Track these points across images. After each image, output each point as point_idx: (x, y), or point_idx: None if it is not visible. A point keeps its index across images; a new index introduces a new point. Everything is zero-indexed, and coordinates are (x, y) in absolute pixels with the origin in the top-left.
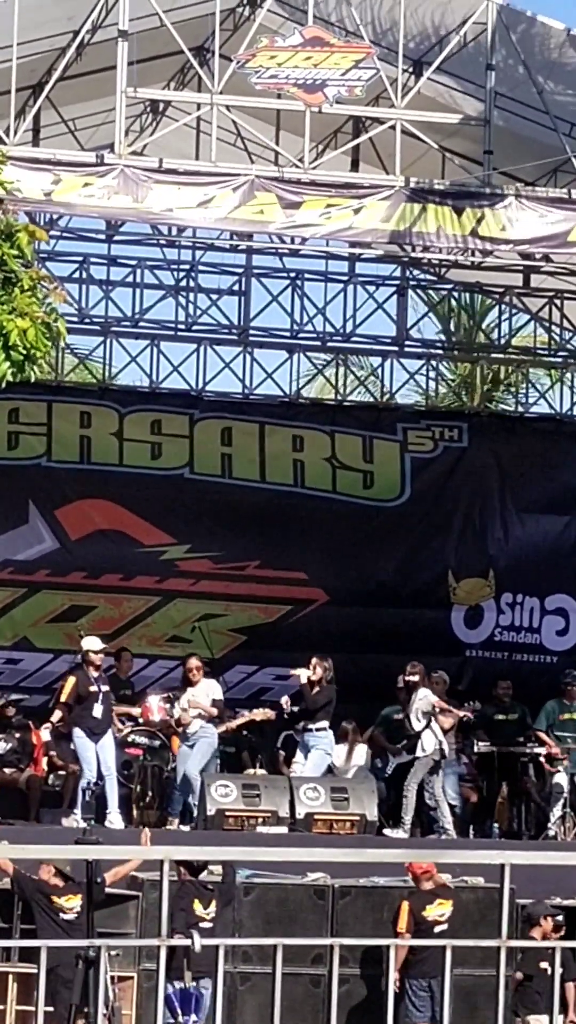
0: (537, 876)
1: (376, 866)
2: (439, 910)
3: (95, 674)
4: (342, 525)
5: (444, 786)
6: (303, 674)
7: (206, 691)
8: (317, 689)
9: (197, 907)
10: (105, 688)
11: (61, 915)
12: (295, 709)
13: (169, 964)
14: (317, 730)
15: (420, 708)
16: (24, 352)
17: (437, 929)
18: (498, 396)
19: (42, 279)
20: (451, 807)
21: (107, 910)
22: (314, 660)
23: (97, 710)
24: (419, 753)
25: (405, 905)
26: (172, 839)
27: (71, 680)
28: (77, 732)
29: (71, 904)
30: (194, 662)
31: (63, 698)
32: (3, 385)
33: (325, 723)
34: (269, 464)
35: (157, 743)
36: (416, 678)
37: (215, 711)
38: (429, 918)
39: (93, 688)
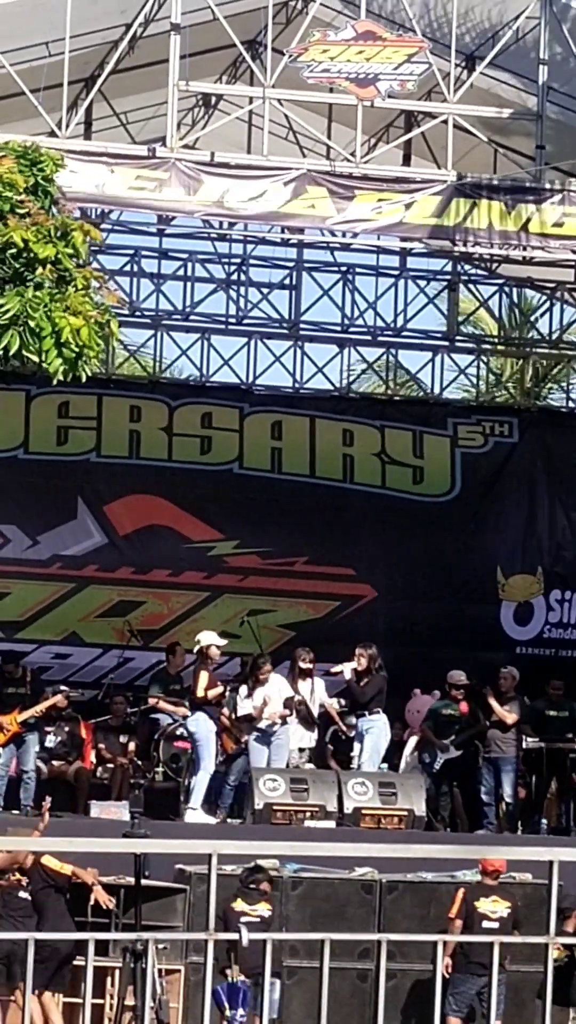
0: None
1: (424, 861)
2: (492, 906)
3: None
4: (391, 521)
5: (503, 784)
6: (347, 669)
7: (279, 689)
8: (366, 680)
9: (240, 904)
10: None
11: (14, 892)
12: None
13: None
14: (371, 715)
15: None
16: (76, 350)
17: (485, 924)
18: (547, 392)
19: (96, 278)
20: (507, 805)
21: (154, 903)
22: (358, 651)
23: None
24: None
25: (461, 892)
26: (220, 833)
27: (204, 675)
28: (211, 726)
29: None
30: (266, 667)
31: (201, 693)
32: (54, 382)
33: (379, 710)
34: (319, 459)
35: None
36: (311, 665)
37: (287, 712)
38: (479, 910)
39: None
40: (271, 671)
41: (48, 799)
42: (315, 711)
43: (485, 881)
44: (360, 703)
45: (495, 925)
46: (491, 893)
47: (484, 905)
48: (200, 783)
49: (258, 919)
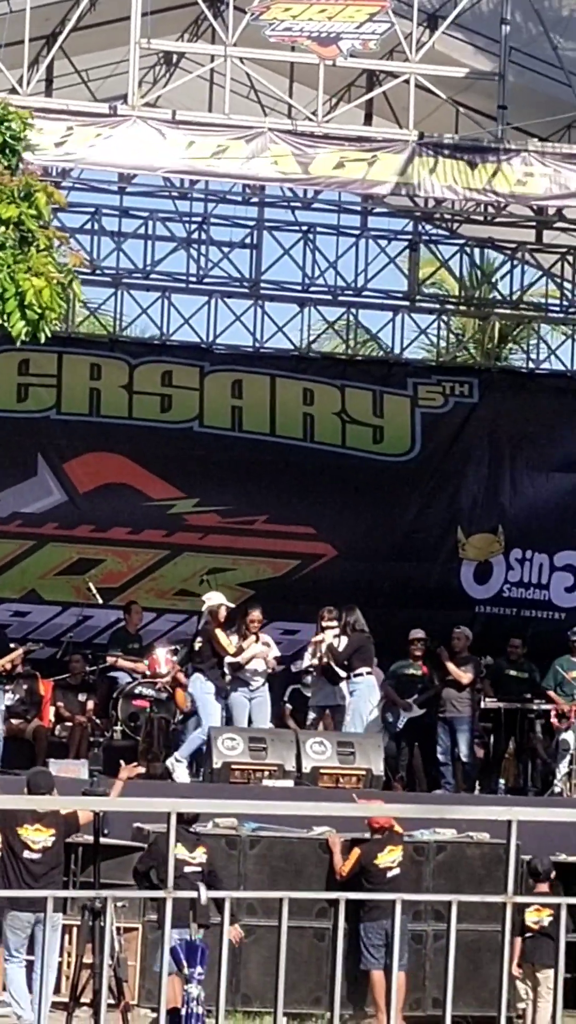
0: (541, 832)
1: None
2: (390, 856)
3: None
4: (351, 480)
5: (459, 743)
6: (327, 636)
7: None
8: (345, 642)
9: (180, 851)
10: None
11: (25, 852)
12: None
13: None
14: (355, 675)
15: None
16: (39, 312)
17: (389, 875)
18: (508, 352)
19: (59, 239)
20: (464, 765)
21: (112, 861)
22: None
23: (225, 668)
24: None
25: (356, 851)
26: (178, 791)
27: (222, 633)
28: (207, 687)
29: (39, 838)
30: (256, 615)
31: (233, 650)
32: (17, 344)
33: (363, 669)
34: (279, 418)
35: (164, 695)
36: (334, 624)
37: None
38: (381, 865)
39: None
40: (260, 620)
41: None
42: (339, 669)
43: (376, 837)
44: (341, 666)
45: (397, 872)
46: (385, 845)
47: (384, 859)
48: (193, 740)
49: (199, 867)
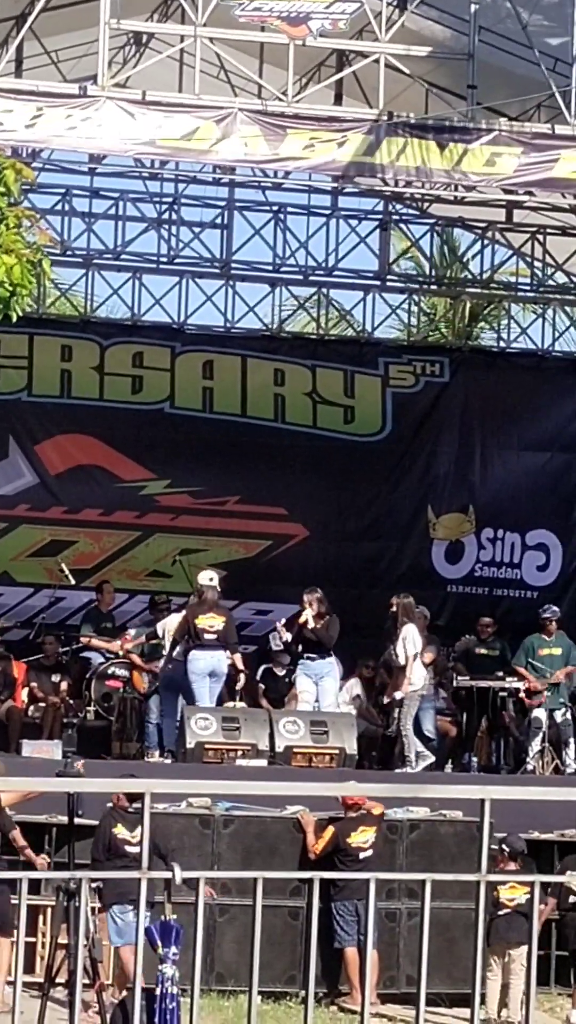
0: (513, 810)
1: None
2: (362, 836)
3: None
4: (323, 460)
5: (421, 720)
6: (309, 617)
7: None
8: (323, 623)
9: (120, 830)
10: None
11: None
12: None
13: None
14: (330, 656)
15: (408, 643)
16: (10, 289)
17: (362, 856)
18: (478, 332)
19: (28, 218)
20: (427, 740)
21: (87, 842)
22: (306, 597)
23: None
24: (409, 688)
25: (331, 829)
26: (152, 771)
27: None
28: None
29: None
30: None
31: None
32: None
33: (331, 652)
34: (250, 398)
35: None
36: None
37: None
38: (353, 844)
39: None
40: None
41: None
42: (405, 658)
43: (350, 815)
44: (328, 646)
45: (370, 853)
46: (358, 825)
47: (357, 838)
48: None
49: (139, 845)
